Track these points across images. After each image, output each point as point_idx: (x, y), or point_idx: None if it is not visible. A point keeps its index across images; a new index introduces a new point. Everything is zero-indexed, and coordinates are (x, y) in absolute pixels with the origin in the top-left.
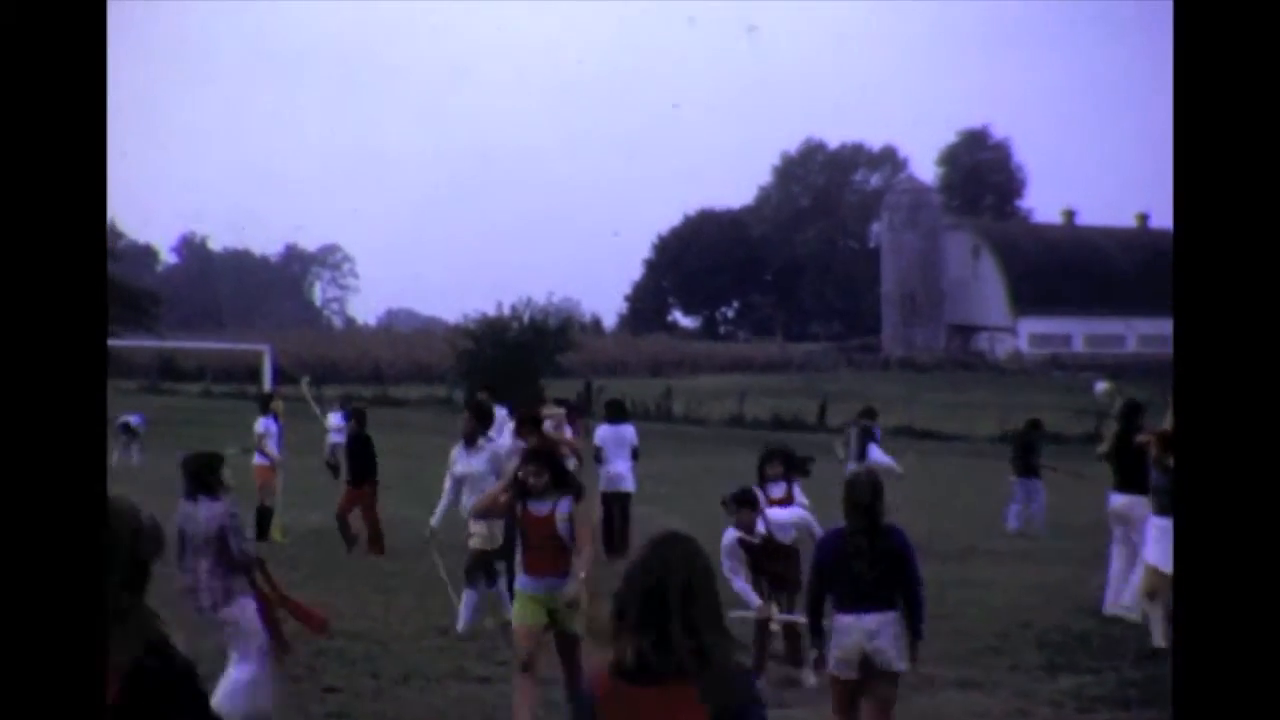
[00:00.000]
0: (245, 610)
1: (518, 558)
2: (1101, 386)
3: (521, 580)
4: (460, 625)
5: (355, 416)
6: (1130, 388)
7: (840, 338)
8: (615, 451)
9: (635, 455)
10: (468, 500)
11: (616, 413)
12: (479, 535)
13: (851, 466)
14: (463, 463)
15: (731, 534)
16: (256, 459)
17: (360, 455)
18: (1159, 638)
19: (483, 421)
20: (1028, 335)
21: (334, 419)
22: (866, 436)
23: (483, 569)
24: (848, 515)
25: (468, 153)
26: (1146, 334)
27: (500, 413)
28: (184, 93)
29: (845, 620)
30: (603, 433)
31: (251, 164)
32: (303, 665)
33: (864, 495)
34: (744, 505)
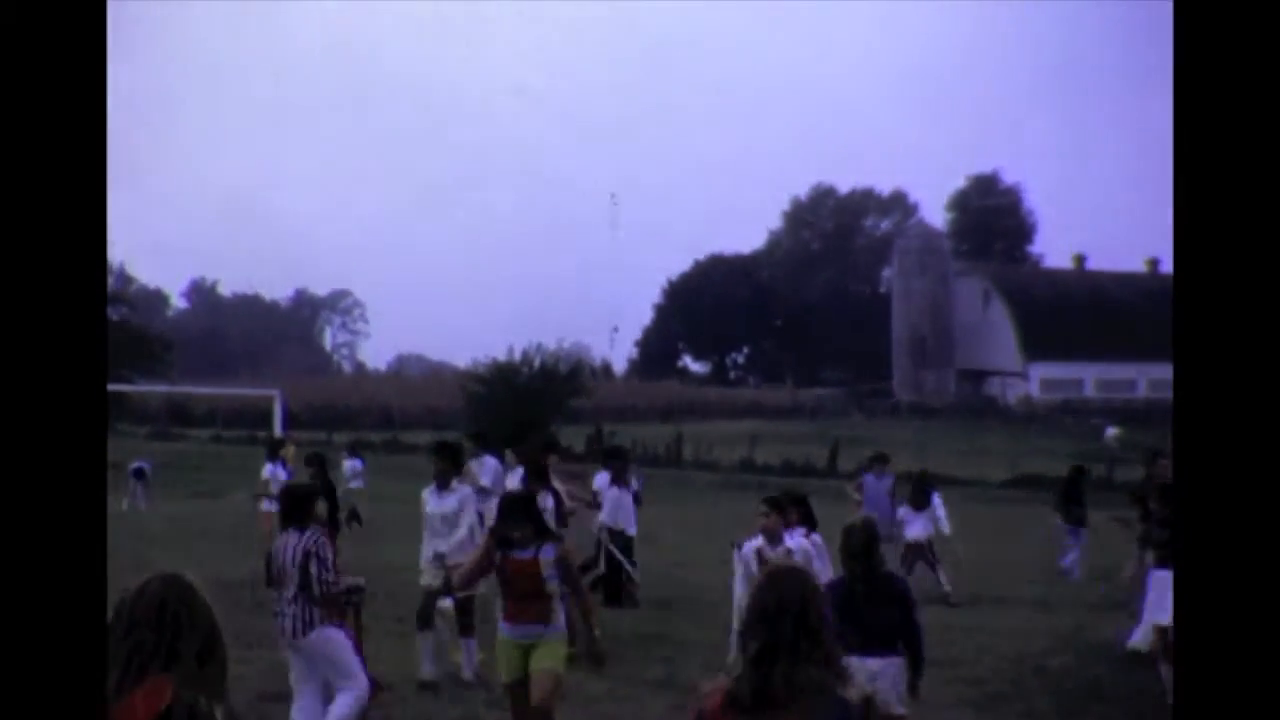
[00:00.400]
0: (326, 640)
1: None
2: (1112, 432)
3: (502, 627)
4: (424, 672)
5: (313, 462)
6: (1141, 433)
7: (851, 383)
8: (613, 498)
9: (638, 500)
10: (428, 541)
11: (617, 461)
12: (430, 574)
13: (902, 512)
14: (434, 503)
15: (752, 544)
16: (264, 505)
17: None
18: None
19: (453, 463)
20: (1039, 380)
21: (349, 466)
22: (925, 485)
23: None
24: (845, 563)
25: (475, 194)
26: (1157, 379)
27: (490, 462)
28: (195, 135)
29: (849, 662)
30: (603, 479)
31: (261, 208)
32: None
33: (858, 543)
34: (775, 509)
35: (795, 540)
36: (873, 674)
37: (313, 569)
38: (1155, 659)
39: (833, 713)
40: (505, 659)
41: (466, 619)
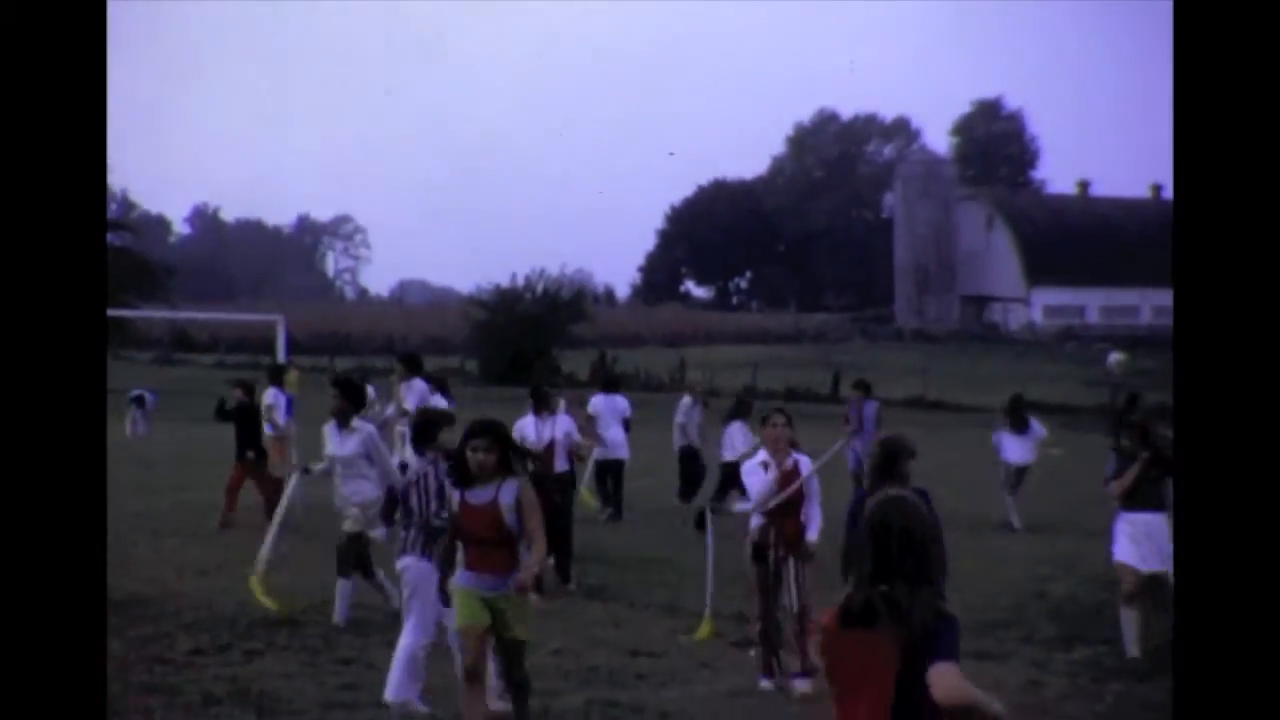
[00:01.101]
0: (411, 568)
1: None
2: (1115, 358)
3: (462, 576)
4: (337, 617)
5: (243, 386)
6: (1144, 359)
7: (853, 309)
8: (609, 420)
9: (628, 425)
10: (342, 486)
11: (611, 384)
12: (353, 519)
13: (1001, 436)
14: (334, 444)
15: (758, 458)
16: (266, 430)
17: (246, 427)
18: (1132, 645)
19: (354, 400)
20: (1041, 307)
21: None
22: (1021, 410)
23: (357, 556)
24: (870, 478)
25: (480, 126)
26: (1161, 305)
27: (419, 385)
28: (194, 79)
29: None
30: (597, 402)
31: (264, 134)
32: (318, 637)
33: (874, 461)
34: (785, 421)
35: (800, 457)
36: None
37: (413, 499)
38: (1126, 599)
39: (940, 627)
40: (466, 605)
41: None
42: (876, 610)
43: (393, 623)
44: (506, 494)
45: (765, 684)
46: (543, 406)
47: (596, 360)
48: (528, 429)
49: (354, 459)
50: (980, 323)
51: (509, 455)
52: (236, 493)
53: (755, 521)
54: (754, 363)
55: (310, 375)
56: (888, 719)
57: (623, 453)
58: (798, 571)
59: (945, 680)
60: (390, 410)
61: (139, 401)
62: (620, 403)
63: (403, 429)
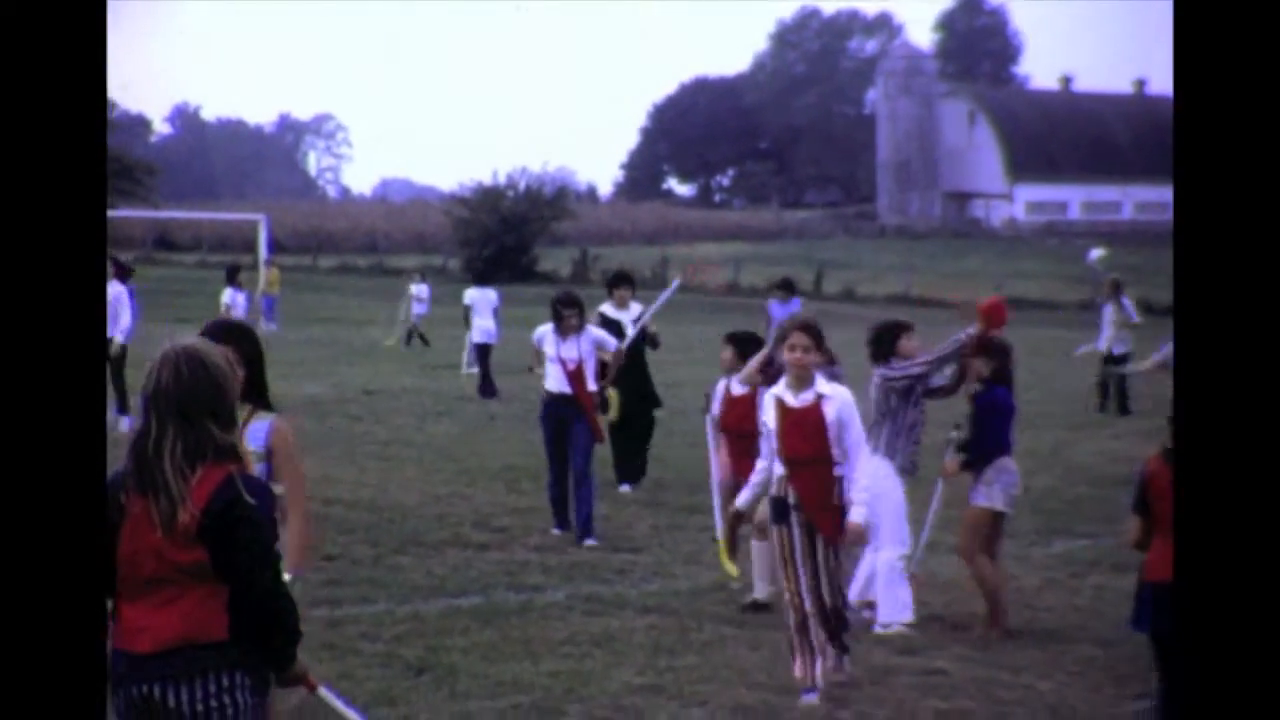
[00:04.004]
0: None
1: None
2: (1096, 254)
3: None
4: None
5: (118, 268)
6: (1126, 254)
7: (836, 205)
8: (482, 310)
9: (496, 314)
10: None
11: (483, 278)
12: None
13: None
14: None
15: (774, 393)
16: None
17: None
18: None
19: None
20: (1024, 203)
21: (415, 289)
22: (1121, 294)
23: None
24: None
25: (459, 20)
26: (1143, 201)
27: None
28: None
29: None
30: (471, 294)
31: (244, 32)
32: None
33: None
34: (809, 344)
35: (830, 393)
36: None
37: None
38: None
39: None
40: None
41: None
42: None
43: None
44: (256, 436)
45: (808, 699)
46: (566, 322)
47: (578, 257)
48: (548, 344)
49: None
50: (963, 219)
51: (259, 383)
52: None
53: (774, 471)
54: (737, 259)
55: (293, 275)
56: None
57: (494, 339)
58: (826, 555)
59: None
60: None
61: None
62: (492, 294)
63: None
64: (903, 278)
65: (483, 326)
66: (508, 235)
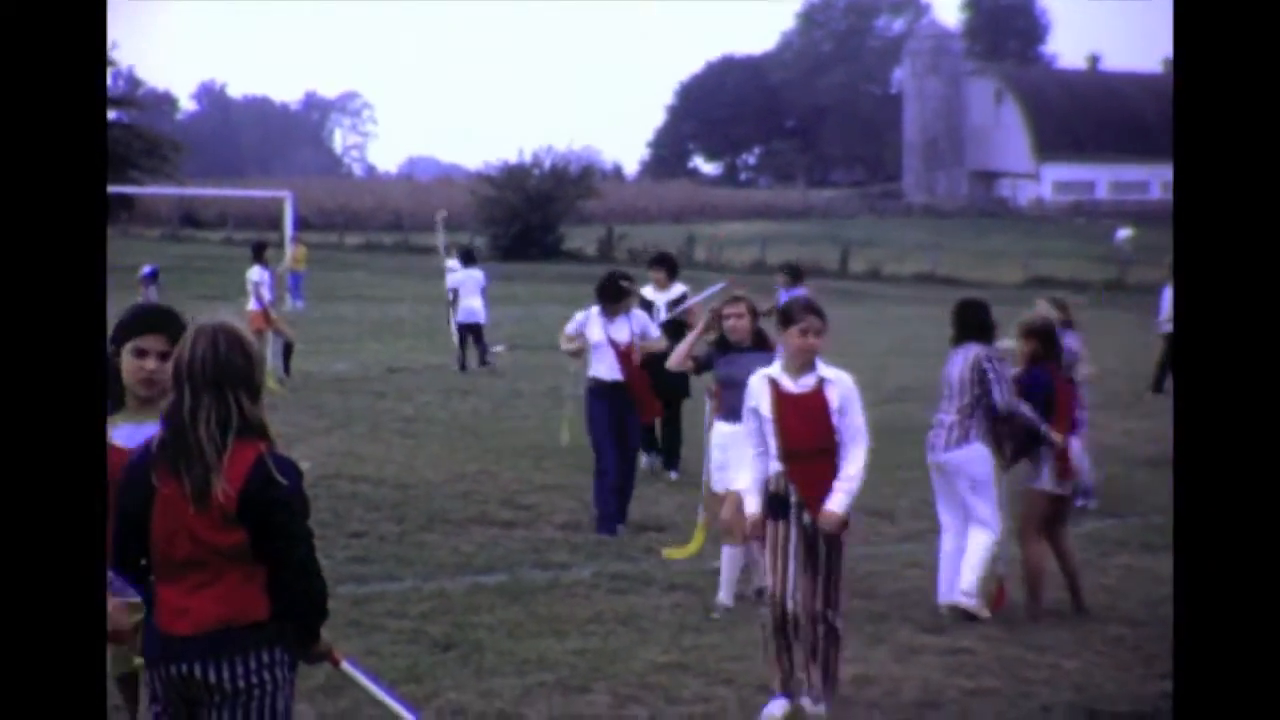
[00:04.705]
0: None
1: None
2: (1123, 234)
3: None
4: None
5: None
6: (1153, 235)
7: (862, 184)
8: (468, 291)
9: (484, 293)
10: None
11: (468, 259)
12: None
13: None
14: None
15: (766, 375)
16: (252, 305)
17: None
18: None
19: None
20: (1051, 182)
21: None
22: None
23: None
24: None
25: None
26: (1171, 181)
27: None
28: None
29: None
30: (456, 277)
31: (271, 9)
32: (327, 510)
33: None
34: (816, 328)
35: (832, 377)
36: None
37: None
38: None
39: None
40: None
41: None
42: None
43: None
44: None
45: (775, 706)
46: (614, 303)
47: (604, 236)
48: (593, 327)
49: None
50: (989, 198)
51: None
52: None
53: (771, 467)
54: (763, 238)
55: (319, 252)
56: None
57: (481, 318)
58: (828, 558)
59: None
60: None
61: (153, 278)
62: (477, 274)
63: None
64: (929, 257)
65: (468, 306)
66: (533, 214)
